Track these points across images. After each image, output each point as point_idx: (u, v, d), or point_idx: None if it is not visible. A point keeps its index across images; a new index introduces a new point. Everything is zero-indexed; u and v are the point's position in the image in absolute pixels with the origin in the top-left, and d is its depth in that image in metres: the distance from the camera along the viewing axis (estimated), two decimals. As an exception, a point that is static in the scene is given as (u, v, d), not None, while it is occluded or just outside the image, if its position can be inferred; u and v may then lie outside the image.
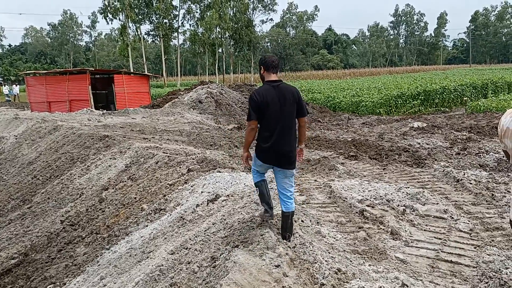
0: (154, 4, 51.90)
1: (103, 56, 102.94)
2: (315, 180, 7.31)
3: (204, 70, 64.50)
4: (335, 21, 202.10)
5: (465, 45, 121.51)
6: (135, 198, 7.37)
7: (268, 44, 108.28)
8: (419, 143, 10.37)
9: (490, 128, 12.16)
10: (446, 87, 22.65)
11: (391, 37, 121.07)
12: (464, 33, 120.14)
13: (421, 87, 22.60)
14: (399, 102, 20.98)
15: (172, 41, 59.96)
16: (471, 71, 55.12)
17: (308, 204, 5.99)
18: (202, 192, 6.08)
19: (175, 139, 11.55)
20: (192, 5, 56.24)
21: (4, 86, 52.66)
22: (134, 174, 8.46)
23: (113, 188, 8.43)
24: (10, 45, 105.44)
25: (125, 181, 8.38)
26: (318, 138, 11.85)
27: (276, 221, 4.58)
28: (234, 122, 17.43)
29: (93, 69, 24.88)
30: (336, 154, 9.58)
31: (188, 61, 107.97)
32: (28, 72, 30.93)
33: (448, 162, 8.37)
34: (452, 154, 8.97)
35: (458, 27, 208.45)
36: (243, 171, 7.29)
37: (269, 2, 63.51)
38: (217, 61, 57.88)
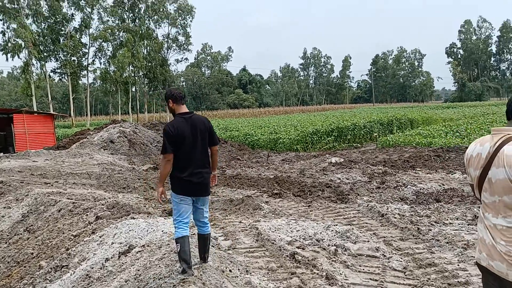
0: (61, 41, 49.43)
1: (4, 95, 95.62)
2: (240, 222, 6.82)
3: (116, 109, 62.17)
4: (249, 62, 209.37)
5: (368, 85, 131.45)
6: (32, 253, 6.29)
7: (184, 83, 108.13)
8: (340, 178, 10.38)
9: (402, 162, 12.64)
10: (357, 124, 23.79)
11: (302, 78, 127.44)
12: (367, 75, 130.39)
13: (334, 124, 23.51)
14: (315, 138, 21.51)
15: (81, 79, 57.34)
16: (375, 109, 59.33)
17: (234, 249, 5.45)
18: (112, 243, 5.28)
19: (82, 183, 10.45)
20: (103, 43, 54.47)
21: None
22: (32, 225, 7.33)
23: (5, 243, 7.20)
24: None
25: (21, 234, 7.21)
26: (240, 176, 11.44)
27: (200, 275, 3.99)
28: (149, 162, 16.51)
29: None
30: (260, 192, 9.21)
31: (100, 100, 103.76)
32: None
33: (371, 196, 8.36)
34: (373, 188, 9.03)
35: (361, 69, 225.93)
36: (160, 216, 6.58)
37: (183, 42, 63.61)
38: (130, 100, 56.15)
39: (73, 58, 50.57)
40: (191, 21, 62.75)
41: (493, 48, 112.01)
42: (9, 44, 44.90)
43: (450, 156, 13.38)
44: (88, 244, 5.55)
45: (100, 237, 5.60)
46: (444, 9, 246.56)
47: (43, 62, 48.86)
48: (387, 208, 7.13)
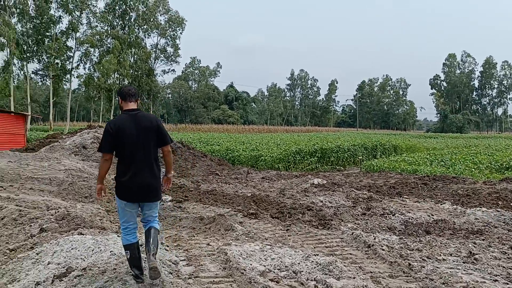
0: (46, 42, 48.18)
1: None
2: (208, 244, 5.98)
3: (98, 116, 60.85)
4: (236, 79, 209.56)
5: (352, 110, 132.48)
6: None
7: (170, 95, 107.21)
8: (322, 201, 9.63)
9: (388, 188, 11.99)
10: (341, 147, 23.24)
11: (288, 98, 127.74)
12: (352, 100, 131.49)
13: (318, 145, 22.91)
14: (297, 158, 20.84)
15: (66, 84, 55.85)
16: (358, 134, 59.33)
17: (196, 278, 4.61)
18: (49, 263, 4.39)
19: (40, 189, 9.47)
20: (90, 48, 53.35)
21: None
22: (-32, 234, 6.35)
23: None
24: None
25: (-46, 243, 6.23)
26: (215, 192, 10.59)
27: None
28: (122, 171, 15.51)
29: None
30: (234, 211, 8.38)
31: (83, 107, 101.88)
32: None
33: (355, 223, 7.61)
34: (358, 215, 8.28)
35: (346, 94, 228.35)
36: (116, 232, 5.70)
37: (172, 53, 62.98)
38: (113, 108, 54.91)
39: (56, 61, 49.23)
40: (181, 33, 62.41)
41: (476, 83, 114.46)
42: (-8, 42, 43.52)
43: (437, 185, 12.78)
44: (21, 262, 4.64)
45: (37, 254, 4.70)
46: (430, 40, 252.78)
47: (25, 63, 47.48)
48: (374, 238, 6.38)
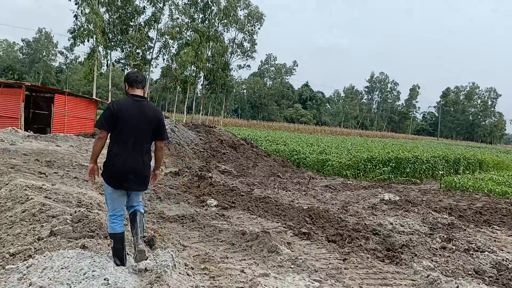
0: (129, 32, 49.96)
1: (75, 80, 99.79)
2: (242, 271, 4.87)
3: (173, 106, 62.53)
4: (312, 78, 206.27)
5: (434, 118, 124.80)
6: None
7: (245, 91, 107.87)
8: (392, 224, 8.13)
9: (473, 213, 10.10)
10: (419, 157, 21.04)
11: (365, 101, 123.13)
12: (434, 107, 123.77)
13: (393, 154, 20.94)
14: (368, 166, 19.07)
15: (149, 74, 57.73)
16: (439, 144, 55.12)
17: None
18: (31, 284, 3.52)
19: (85, 178, 8.96)
20: (169, 40, 54.62)
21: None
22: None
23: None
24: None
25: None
26: (268, 200, 9.43)
27: None
28: (180, 165, 14.96)
29: (29, 84, 21.39)
30: (284, 227, 7.19)
31: (162, 97, 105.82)
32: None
33: (433, 260, 6.07)
34: (436, 248, 6.70)
35: (428, 100, 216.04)
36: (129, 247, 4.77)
37: (248, 48, 62.76)
38: (187, 99, 55.95)
39: (137, 51, 50.93)
40: (259, 28, 61.96)
41: None
42: (81, 29, 45.78)
43: (536, 214, 10.63)
44: (8, 275, 3.83)
45: (27, 267, 3.87)
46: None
47: (109, 51, 49.59)
48: (458, 287, 4.89)
